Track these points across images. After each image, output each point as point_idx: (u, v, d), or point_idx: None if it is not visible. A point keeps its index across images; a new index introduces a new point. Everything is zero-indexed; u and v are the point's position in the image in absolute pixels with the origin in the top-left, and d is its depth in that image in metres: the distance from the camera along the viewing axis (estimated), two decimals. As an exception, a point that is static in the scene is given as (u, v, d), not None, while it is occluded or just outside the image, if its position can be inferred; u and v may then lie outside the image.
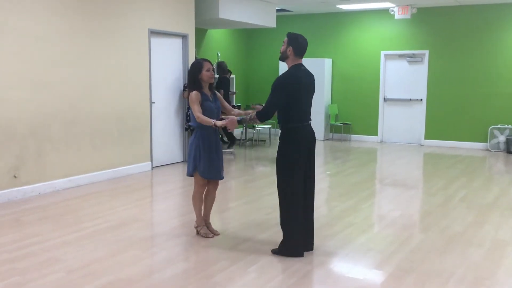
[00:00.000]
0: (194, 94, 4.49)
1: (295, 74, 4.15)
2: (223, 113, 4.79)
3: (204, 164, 4.57)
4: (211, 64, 4.63)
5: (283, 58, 4.25)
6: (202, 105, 4.51)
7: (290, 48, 4.16)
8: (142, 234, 4.92)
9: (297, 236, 4.22)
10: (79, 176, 6.96)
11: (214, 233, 4.82)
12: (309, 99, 4.29)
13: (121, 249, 4.44)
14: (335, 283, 3.79)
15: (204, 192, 4.78)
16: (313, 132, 4.33)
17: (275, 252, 4.32)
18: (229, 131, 4.49)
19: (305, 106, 4.21)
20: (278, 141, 4.31)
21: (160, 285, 3.69)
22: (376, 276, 3.93)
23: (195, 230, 4.86)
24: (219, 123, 4.37)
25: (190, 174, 4.68)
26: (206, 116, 4.47)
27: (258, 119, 4.22)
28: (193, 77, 4.57)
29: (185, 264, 4.16)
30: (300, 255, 4.24)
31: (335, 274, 3.96)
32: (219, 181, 4.81)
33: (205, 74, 4.54)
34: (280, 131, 4.28)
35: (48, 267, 3.99)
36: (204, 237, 4.73)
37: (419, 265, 4.13)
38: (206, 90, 4.62)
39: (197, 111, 4.46)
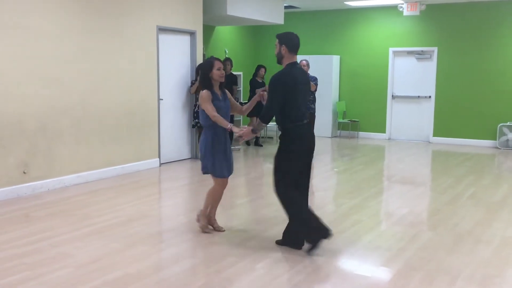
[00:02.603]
0: (205, 93, 4.47)
1: (291, 72, 4.15)
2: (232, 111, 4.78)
3: (214, 164, 4.56)
4: (222, 63, 4.61)
5: (279, 59, 4.27)
6: (212, 104, 4.49)
7: (283, 47, 4.18)
8: (150, 230, 4.94)
9: (303, 228, 4.25)
10: (88, 172, 7.00)
11: (220, 230, 4.84)
12: (305, 98, 4.31)
13: (129, 245, 4.46)
14: (343, 280, 3.79)
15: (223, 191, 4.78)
16: (312, 131, 4.36)
17: (279, 243, 4.40)
18: (242, 140, 4.51)
19: (300, 105, 4.21)
20: (280, 139, 4.33)
21: (168, 281, 3.71)
22: (383, 273, 3.92)
23: (208, 231, 4.86)
24: (236, 129, 4.37)
25: (207, 172, 4.64)
26: None
27: (262, 123, 4.22)
28: (204, 76, 4.55)
29: (193, 260, 4.17)
30: (299, 247, 4.31)
31: (343, 271, 3.96)
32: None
33: (215, 73, 4.52)
34: (280, 130, 4.30)
35: (57, 262, 4.02)
36: (201, 228, 4.79)
37: (427, 262, 4.12)
38: (216, 89, 4.59)
39: (212, 110, 4.42)
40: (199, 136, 8.80)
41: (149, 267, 3.98)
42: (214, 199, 4.77)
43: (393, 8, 11.45)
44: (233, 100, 4.81)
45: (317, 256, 4.20)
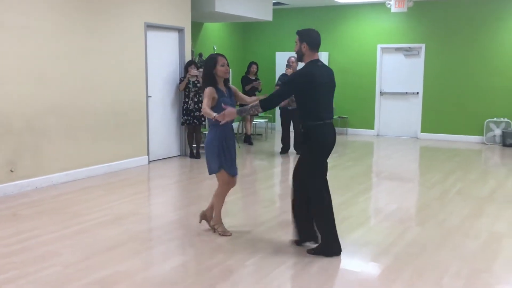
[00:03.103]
0: (208, 89, 4.35)
1: (310, 71, 4.01)
2: (242, 105, 4.57)
3: (228, 161, 4.48)
4: (226, 59, 4.49)
5: (300, 56, 4.11)
6: (218, 101, 4.37)
7: (304, 44, 4.04)
8: (140, 228, 4.92)
9: (333, 235, 4.16)
10: (76, 170, 6.95)
11: (212, 229, 4.76)
12: (328, 95, 4.15)
13: (118, 243, 4.44)
14: (333, 276, 3.80)
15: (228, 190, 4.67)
16: (334, 130, 4.18)
17: (313, 252, 4.17)
18: (221, 123, 4.30)
19: (323, 103, 4.06)
20: (303, 137, 4.16)
21: (158, 278, 3.70)
22: (373, 268, 3.94)
23: (195, 224, 4.84)
24: (218, 116, 4.26)
25: (214, 172, 4.53)
26: (219, 112, 4.28)
27: (260, 107, 4.08)
28: (208, 72, 4.42)
29: (183, 257, 4.17)
30: (338, 253, 4.17)
31: (332, 267, 3.97)
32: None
33: (219, 69, 4.40)
34: (302, 130, 4.15)
35: (46, 261, 3.99)
36: (222, 235, 4.60)
37: (416, 257, 4.15)
38: (221, 86, 4.47)
39: (205, 104, 4.30)
40: (188, 134, 8.78)
41: (138, 265, 3.96)
42: (220, 199, 4.62)
43: (381, 5, 11.50)
44: (241, 94, 4.71)
45: (307, 253, 4.21)
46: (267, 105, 4.08)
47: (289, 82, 4.09)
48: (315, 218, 4.18)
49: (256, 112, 4.24)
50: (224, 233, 4.62)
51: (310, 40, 4.05)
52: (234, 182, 4.65)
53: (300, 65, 4.16)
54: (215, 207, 4.66)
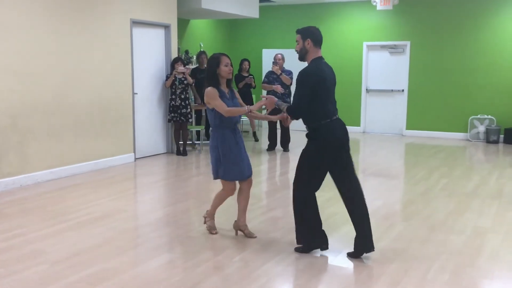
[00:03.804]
0: (211, 90, 4.19)
1: (319, 67, 3.92)
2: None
3: (226, 168, 4.30)
4: (230, 59, 4.33)
5: (303, 55, 3.98)
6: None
7: (308, 40, 3.93)
8: (126, 225, 4.90)
9: (314, 231, 4.13)
10: (61, 168, 6.89)
11: (251, 236, 4.51)
12: (334, 92, 4.10)
13: (105, 241, 4.42)
14: (320, 272, 3.83)
15: (232, 195, 4.53)
16: (344, 125, 4.08)
17: (354, 255, 4.08)
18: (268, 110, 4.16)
19: (331, 100, 4.03)
20: (306, 139, 4.11)
21: (145, 276, 3.69)
22: (359, 264, 3.98)
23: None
24: (253, 106, 4.13)
25: (215, 177, 4.45)
26: (220, 114, 4.21)
27: (290, 116, 4.01)
28: (211, 72, 4.26)
29: (170, 254, 4.16)
30: (325, 247, 4.16)
31: (319, 263, 4.00)
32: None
33: (223, 69, 4.25)
34: (308, 129, 4.08)
35: (32, 259, 3.96)
36: (208, 230, 4.58)
37: (402, 253, 4.19)
38: (224, 87, 4.32)
39: (223, 106, 4.15)
40: (174, 131, 8.75)
41: (125, 262, 3.95)
42: (218, 200, 4.56)
43: (367, 3, 11.56)
44: (240, 100, 4.51)
45: (293, 249, 4.23)
46: (294, 113, 4.00)
47: (303, 82, 3.88)
48: (296, 215, 4.14)
49: (287, 123, 4.24)
50: (210, 230, 4.60)
51: (313, 36, 3.95)
52: (249, 182, 4.48)
53: (302, 64, 3.99)
54: (212, 203, 4.62)
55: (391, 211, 5.52)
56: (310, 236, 4.15)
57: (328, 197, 5.98)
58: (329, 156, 4.00)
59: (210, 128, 4.40)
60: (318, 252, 4.19)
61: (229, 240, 4.47)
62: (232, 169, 4.32)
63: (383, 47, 11.85)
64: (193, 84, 8.83)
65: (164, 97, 8.83)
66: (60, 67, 6.79)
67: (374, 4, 10.82)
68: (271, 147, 9.39)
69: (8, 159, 6.20)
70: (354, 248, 4.08)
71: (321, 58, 4.00)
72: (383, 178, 7.24)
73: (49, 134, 6.70)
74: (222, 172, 4.34)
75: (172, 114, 8.59)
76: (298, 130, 12.19)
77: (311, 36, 3.95)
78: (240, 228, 4.56)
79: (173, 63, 8.59)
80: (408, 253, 4.19)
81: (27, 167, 6.43)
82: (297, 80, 3.95)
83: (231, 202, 5.77)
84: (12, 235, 4.54)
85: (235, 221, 4.60)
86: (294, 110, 4.00)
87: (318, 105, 3.92)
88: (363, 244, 4.03)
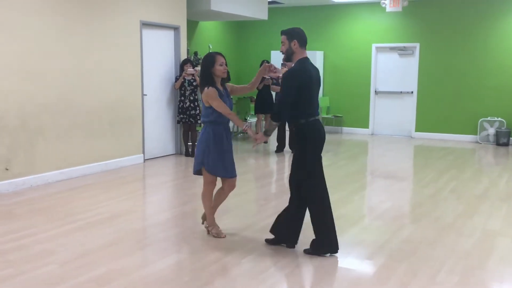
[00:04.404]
0: (212, 90, 4.22)
1: (305, 68, 4.02)
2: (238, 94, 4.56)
3: (212, 160, 4.34)
4: (224, 58, 4.37)
5: (289, 55, 4.06)
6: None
7: (295, 42, 4.01)
8: (135, 226, 4.92)
9: (331, 233, 4.15)
10: (71, 168, 6.94)
11: (206, 230, 4.66)
12: (318, 92, 4.19)
13: (114, 241, 4.44)
14: (328, 274, 3.82)
15: (214, 190, 4.54)
16: (323, 126, 4.21)
17: (309, 252, 4.16)
18: (256, 143, 4.23)
19: (315, 100, 4.10)
20: (295, 138, 4.15)
21: (153, 276, 3.70)
22: (368, 266, 3.97)
23: (190, 223, 4.84)
24: (250, 131, 4.22)
25: (196, 171, 4.47)
26: (216, 112, 4.27)
27: (273, 121, 4.06)
28: (206, 72, 4.31)
29: (179, 255, 4.17)
30: (336, 251, 4.16)
31: (328, 265, 3.99)
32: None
33: (218, 68, 4.29)
34: (293, 128, 4.12)
35: (41, 259, 3.99)
36: (216, 237, 4.55)
37: (410, 255, 4.17)
38: (219, 85, 4.35)
39: (225, 107, 4.22)
40: (183, 132, 8.78)
41: (134, 263, 3.97)
42: (205, 200, 4.53)
43: (376, 4, 11.53)
44: (236, 86, 4.60)
45: (302, 250, 4.22)
46: (278, 116, 4.05)
47: (289, 85, 3.98)
48: (314, 218, 4.14)
49: (275, 127, 4.20)
50: (218, 235, 4.56)
51: (299, 37, 4.05)
52: (230, 185, 4.51)
53: (274, 61, 4.11)
54: (205, 209, 4.60)
55: (400, 213, 5.50)
56: (331, 237, 4.14)
57: (336, 199, 5.97)
58: (316, 152, 4.10)
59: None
60: (326, 254, 4.17)
61: (237, 241, 4.47)
62: (217, 164, 4.36)
63: (392, 49, 11.81)
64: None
65: (173, 99, 8.86)
66: (70, 68, 6.84)
67: (384, 5, 10.79)
68: (280, 149, 9.39)
69: (18, 160, 6.25)
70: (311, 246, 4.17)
71: (306, 58, 4.10)
72: (391, 180, 7.22)
73: (59, 135, 6.74)
74: (207, 165, 4.36)
75: (181, 116, 8.61)
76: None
77: (297, 37, 4.04)
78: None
79: (182, 65, 8.63)
80: (417, 255, 4.17)
81: (36, 168, 6.48)
82: (283, 80, 4.04)
83: (237, 202, 5.78)
84: (22, 235, 4.58)
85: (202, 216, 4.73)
86: (277, 114, 4.06)
87: (303, 104, 4.02)
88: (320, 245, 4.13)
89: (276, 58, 11.87)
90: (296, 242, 4.31)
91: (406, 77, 11.74)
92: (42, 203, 5.70)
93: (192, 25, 11.10)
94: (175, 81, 8.71)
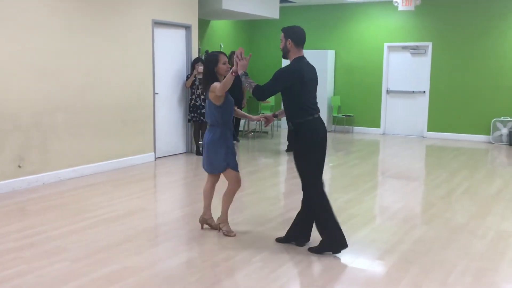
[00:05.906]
0: (216, 83, 4.30)
1: (298, 66, 4.08)
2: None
3: (233, 158, 4.46)
4: (227, 57, 4.49)
5: (285, 53, 4.16)
6: (226, 98, 4.37)
7: (289, 41, 4.09)
8: (147, 224, 4.95)
9: (336, 230, 4.15)
10: (83, 166, 6.98)
11: (216, 228, 4.70)
12: (315, 91, 4.23)
13: (126, 239, 4.46)
14: (339, 273, 3.81)
15: (213, 189, 4.68)
16: (324, 124, 4.21)
17: (312, 250, 4.16)
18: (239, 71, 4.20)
19: (312, 98, 4.14)
20: (295, 137, 4.17)
21: (165, 274, 3.72)
22: (379, 266, 3.95)
23: (200, 224, 4.81)
24: (234, 68, 4.15)
25: (221, 170, 4.49)
26: (226, 111, 4.37)
27: (253, 93, 4.07)
28: (209, 70, 4.40)
29: (189, 253, 4.19)
30: (339, 250, 4.14)
31: (338, 265, 3.98)
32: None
33: (221, 67, 4.39)
34: (292, 127, 4.17)
35: (54, 256, 4.02)
36: (226, 235, 4.56)
37: (423, 256, 4.15)
38: None
39: (220, 85, 4.22)
40: (194, 131, 8.80)
41: (145, 260, 3.99)
42: (228, 198, 4.55)
43: (389, 3, 11.47)
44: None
45: (308, 251, 4.22)
46: (258, 93, 4.07)
47: (279, 79, 4.05)
48: (317, 217, 4.15)
49: (249, 86, 4.15)
50: (229, 233, 4.57)
51: (294, 36, 4.09)
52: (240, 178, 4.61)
53: (285, 62, 4.13)
54: (223, 205, 4.61)
55: (412, 213, 5.47)
56: (336, 234, 4.13)
57: (347, 199, 5.95)
58: (314, 151, 4.11)
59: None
60: (337, 254, 4.17)
61: (247, 240, 4.47)
62: (235, 161, 4.49)
63: (404, 48, 11.74)
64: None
65: (184, 97, 8.88)
66: (82, 66, 6.88)
67: (396, 4, 10.73)
68: (290, 148, 9.38)
69: (31, 157, 6.31)
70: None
71: (302, 57, 4.14)
72: (403, 180, 7.18)
73: (72, 133, 6.79)
74: (233, 164, 4.44)
75: (192, 114, 8.64)
76: (317, 131, 12.14)
77: (291, 37, 4.09)
78: (208, 221, 4.74)
79: (193, 64, 8.65)
80: (429, 256, 4.14)
81: (49, 165, 6.53)
82: (274, 74, 4.08)
83: (247, 201, 5.78)
84: (35, 232, 4.62)
85: (202, 216, 4.75)
86: (259, 91, 4.04)
87: (299, 101, 4.06)
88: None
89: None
90: (307, 240, 4.31)
91: (419, 77, 11.66)
92: (55, 200, 5.74)
93: (203, 24, 11.11)
94: (186, 80, 8.73)
